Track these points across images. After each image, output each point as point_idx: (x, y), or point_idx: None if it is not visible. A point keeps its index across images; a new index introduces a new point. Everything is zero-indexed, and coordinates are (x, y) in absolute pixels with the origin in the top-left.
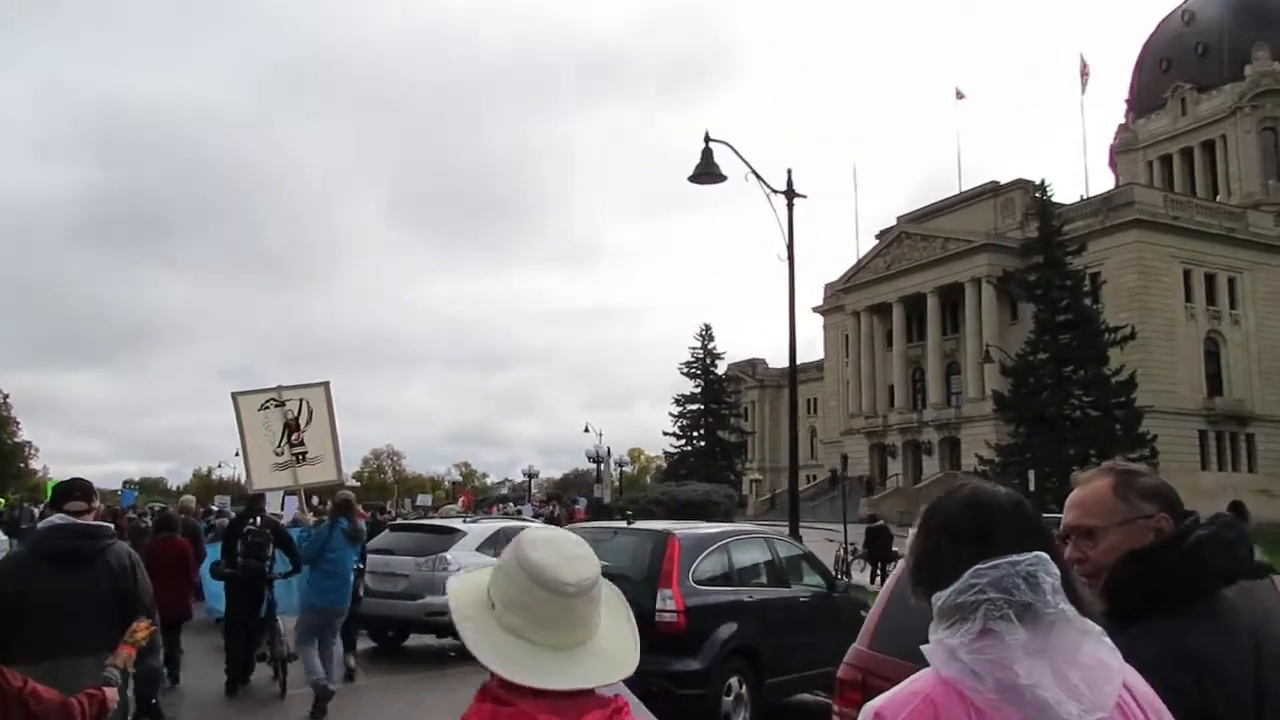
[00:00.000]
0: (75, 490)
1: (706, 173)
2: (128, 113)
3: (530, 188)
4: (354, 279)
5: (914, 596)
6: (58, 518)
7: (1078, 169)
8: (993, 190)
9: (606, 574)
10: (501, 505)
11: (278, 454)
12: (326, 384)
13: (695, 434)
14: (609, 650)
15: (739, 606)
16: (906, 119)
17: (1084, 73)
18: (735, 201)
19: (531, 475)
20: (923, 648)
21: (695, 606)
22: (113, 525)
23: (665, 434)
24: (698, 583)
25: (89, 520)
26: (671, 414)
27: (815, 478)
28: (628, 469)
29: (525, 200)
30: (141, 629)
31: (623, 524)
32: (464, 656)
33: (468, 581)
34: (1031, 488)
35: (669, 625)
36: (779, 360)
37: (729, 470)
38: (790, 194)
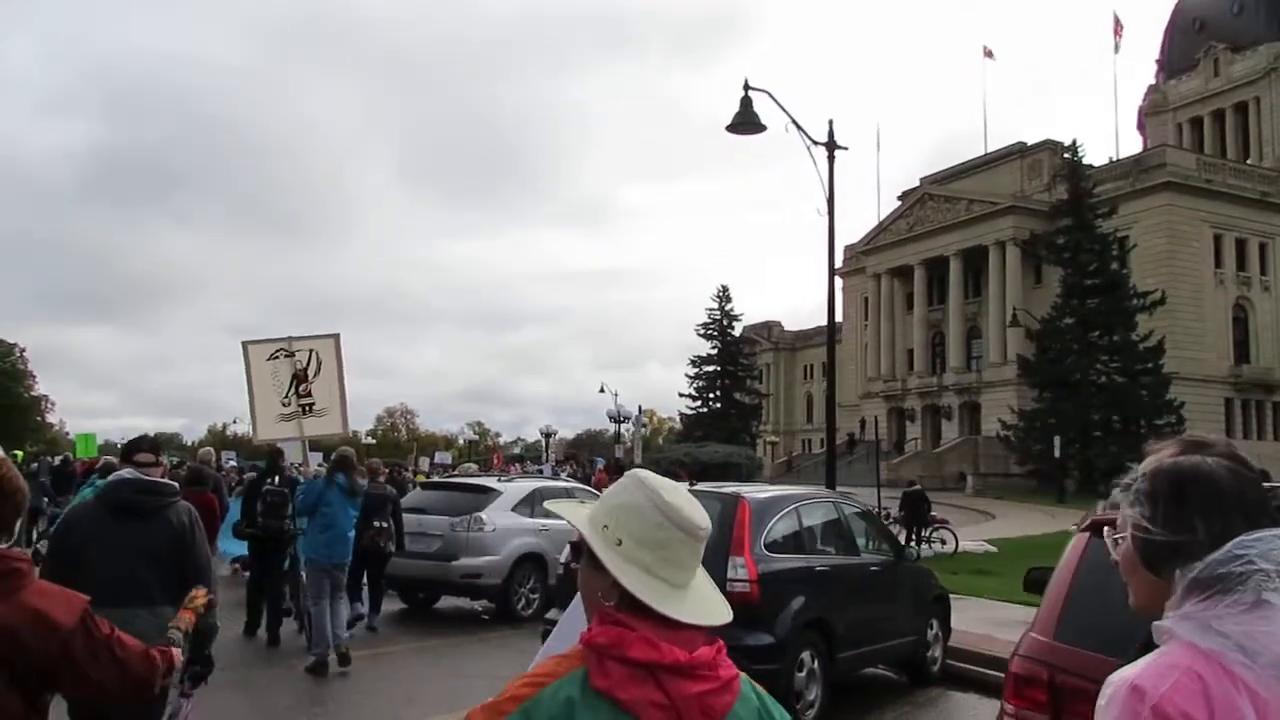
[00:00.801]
0: (143, 445)
1: (746, 122)
2: (136, 68)
3: (543, 147)
4: (365, 236)
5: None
6: (125, 471)
7: (1106, 131)
8: (1019, 151)
9: None
10: (520, 464)
11: (284, 404)
12: (336, 336)
13: (711, 396)
14: (706, 593)
15: (811, 575)
16: (929, 79)
17: (1117, 32)
18: (750, 163)
19: (549, 434)
20: (1163, 622)
21: (768, 575)
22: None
23: (681, 395)
24: (769, 549)
25: (155, 476)
26: (687, 375)
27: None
28: (641, 430)
29: (538, 160)
30: (200, 596)
31: (682, 485)
32: (499, 620)
33: (573, 512)
34: (1056, 453)
35: (741, 595)
36: (794, 323)
37: (744, 432)
38: (831, 146)
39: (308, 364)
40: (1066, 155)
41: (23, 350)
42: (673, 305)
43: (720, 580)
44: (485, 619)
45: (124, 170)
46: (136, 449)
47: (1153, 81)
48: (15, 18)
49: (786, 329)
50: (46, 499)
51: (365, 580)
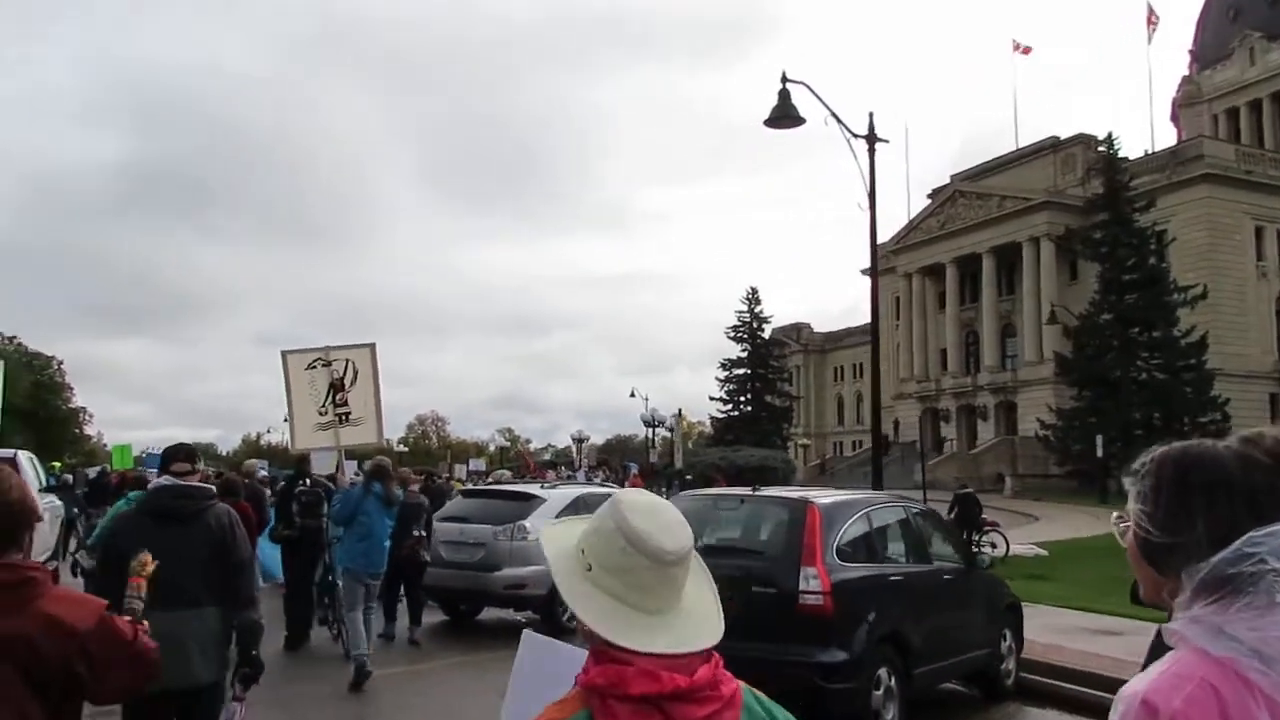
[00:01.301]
0: (180, 453)
1: (784, 116)
2: (164, 80)
3: (565, 151)
4: (391, 244)
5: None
6: (164, 479)
7: (1138, 124)
8: (1052, 146)
9: (735, 548)
10: (554, 470)
11: (321, 413)
12: (372, 345)
13: (742, 399)
14: (695, 614)
15: (885, 585)
16: (953, 75)
17: (1151, 21)
18: (773, 164)
19: (581, 440)
20: (1172, 625)
21: (841, 586)
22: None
23: (711, 399)
24: (840, 558)
25: (192, 481)
26: (717, 378)
27: (862, 444)
28: (667, 434)
29: (560, 164)
30: (148, 562)
31: (744, 490)
32: (543, 633)
33: (559, 533)
34: (1099, 453)
35: (814, 608)
36: (822, 324)
37: (776, 435)
38: (872, 138)
39: (344, 373)
40: (1101, 149)
41: (60, 363)
42: (698, 309)
43: (791, 593)
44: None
45: (154, 183)
46: (173, 457)
47: (1186, 73)
48: (46, 32)
49: (815, 331)
50: (78, 510)
51: (402, 593)
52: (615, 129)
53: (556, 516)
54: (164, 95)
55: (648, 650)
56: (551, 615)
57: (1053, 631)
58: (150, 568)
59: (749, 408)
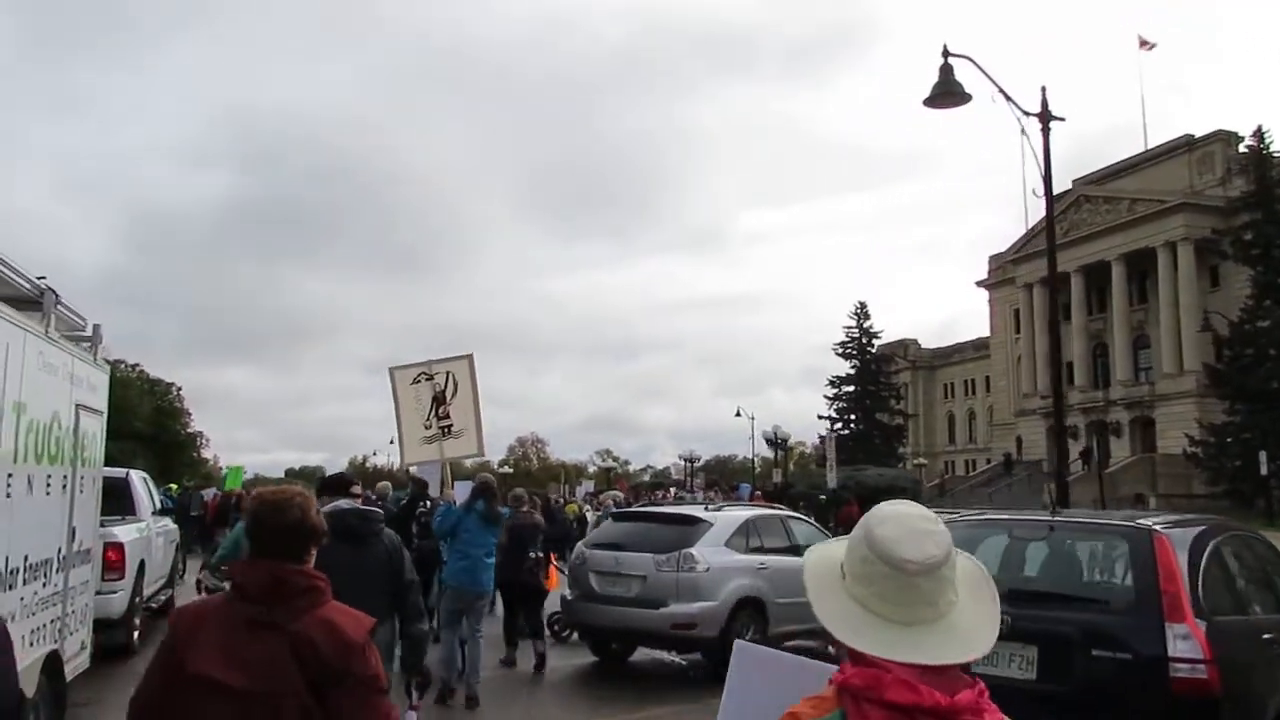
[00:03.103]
0: (348, 480)
1: (947, 93)
2: (270, 119)
3: (655, 175)
4: (489, 270)
5: None
6: (343, 502)
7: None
8: (1186, 145)
9: (1052, 594)
10: (669, 492)
11: (426, 427)
12: (470, 356)
13: (852, 417)
14: (960, 629)
15: (1268, 646)
16: (1065, 77)
17: None
18: (866, 183)
19: (691, 460)
20: None
21: (1226, 651)
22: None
23: (820, 417)
24: (1211, 610)
25: (361, 505)
26: (826, 396)
27: (975, 464)
28: (769, 454)
29: (650, 188)
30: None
31: (1043, 515)
32: (712, 678)
33: (825, 552)
34: (1264, 470)
35: (1193, 684)
36: (930, 340)
37: (889, 455)
38: (1046, 116)
39: (445, 385)
40: (1249, 144)
41: (179, 389)
42: (791, 329)
43: (1153, 660)
44: (690, 675)
45: (262, 217)
46: (345, 483)
47: None
48: (157, 76)
49: (923, 347)
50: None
51: (523, 620)
52: (709, 149)
53: (726, 542)
54: (270, 133)
55: (885, 655)
56: (724, 659)
57: None
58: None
59: (860, 426)
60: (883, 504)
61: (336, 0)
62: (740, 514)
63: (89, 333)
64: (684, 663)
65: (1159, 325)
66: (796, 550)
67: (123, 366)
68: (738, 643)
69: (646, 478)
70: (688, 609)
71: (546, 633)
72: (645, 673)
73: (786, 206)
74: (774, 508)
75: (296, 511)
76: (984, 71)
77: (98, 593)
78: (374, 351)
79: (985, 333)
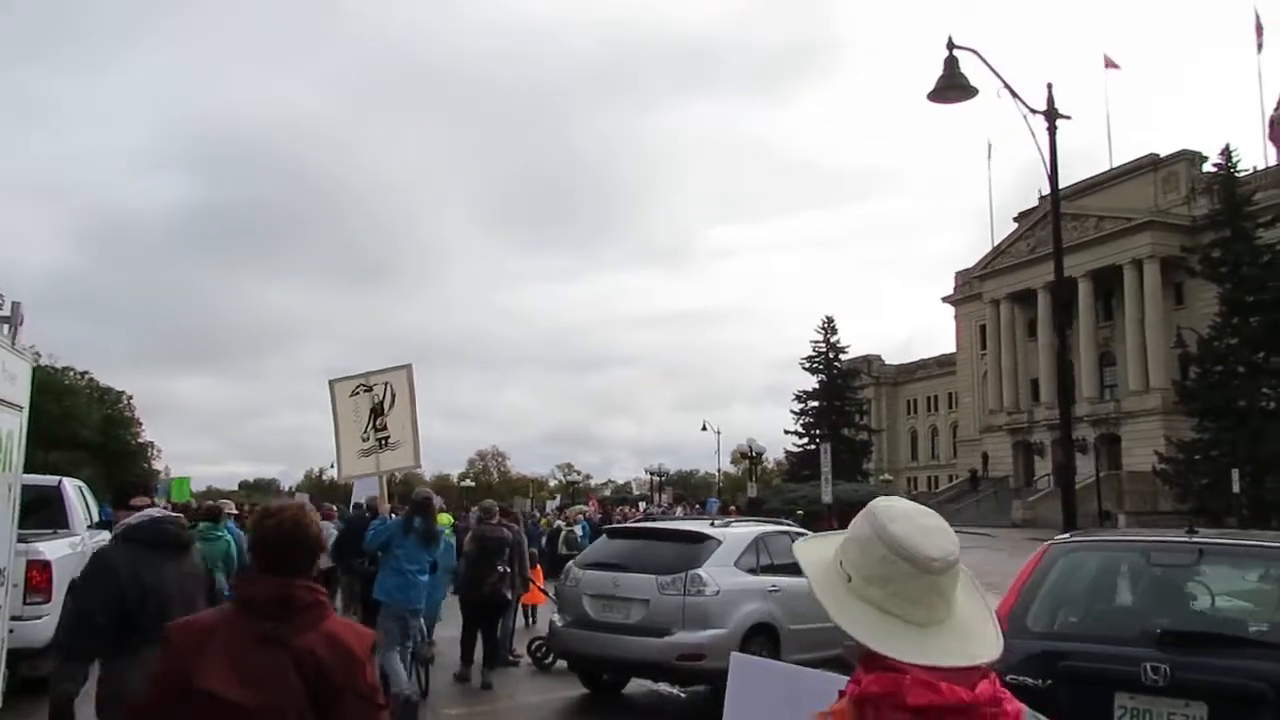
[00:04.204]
0: (141, 488)
1: (952, 86)
2: (229, 126)
3: (620, 189)
4: (450, 282)
5: None
6: (152, 511)
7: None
8: (1151, 164)
9: (1222, 633)
10: (637, 507)
11: (364, 440)
12: (408, 367)
13: (818, 432)
14: (968, 629)
15: None
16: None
17: (1259, 31)
18: (828, 201)
19: (660, 474)
20: None
21: None
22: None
23: (787, 432)
24: None
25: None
26: (792, 411)
27: (938, 480)
28: (731, 469)
29: (614, 202)
30: None
31: (1180, 535)
32: (716, 711)
33: (814, 548)
34: (1236, 488)
35: None
36: (900, 355)
37: (856, 470)
38: (1051, 114)
39: (383, 397)
40: (1217, 163)
41: (130, 398)
42: (755, 345)
43: None
44: (692, 710)
45: (218, 224)
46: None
47: None
48: (116, 80)
49: (888, 362)
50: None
51: (488, 636)
52: (672, 166)
53: (736, 562)
54: (229, 140)
55: (916, 661)
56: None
57: None
58: None
59: (827, 441)
60: (880, 502)
61: (300, 6)
62: (749, 530)
63: (6, 311)
64: (683, 695)
65: (1125, 342)
66: None
67: (72, 374)
68: (734, 655)
69: (608, 492)
70: (695, 637)
71: (515, 656)
72: (642, 708)
73: (749, 222)
74: (778, 523)
75: (303, 527)
76: (990, 67)
77: (17, 618)
78: (334, 362)
79: (947, 349)
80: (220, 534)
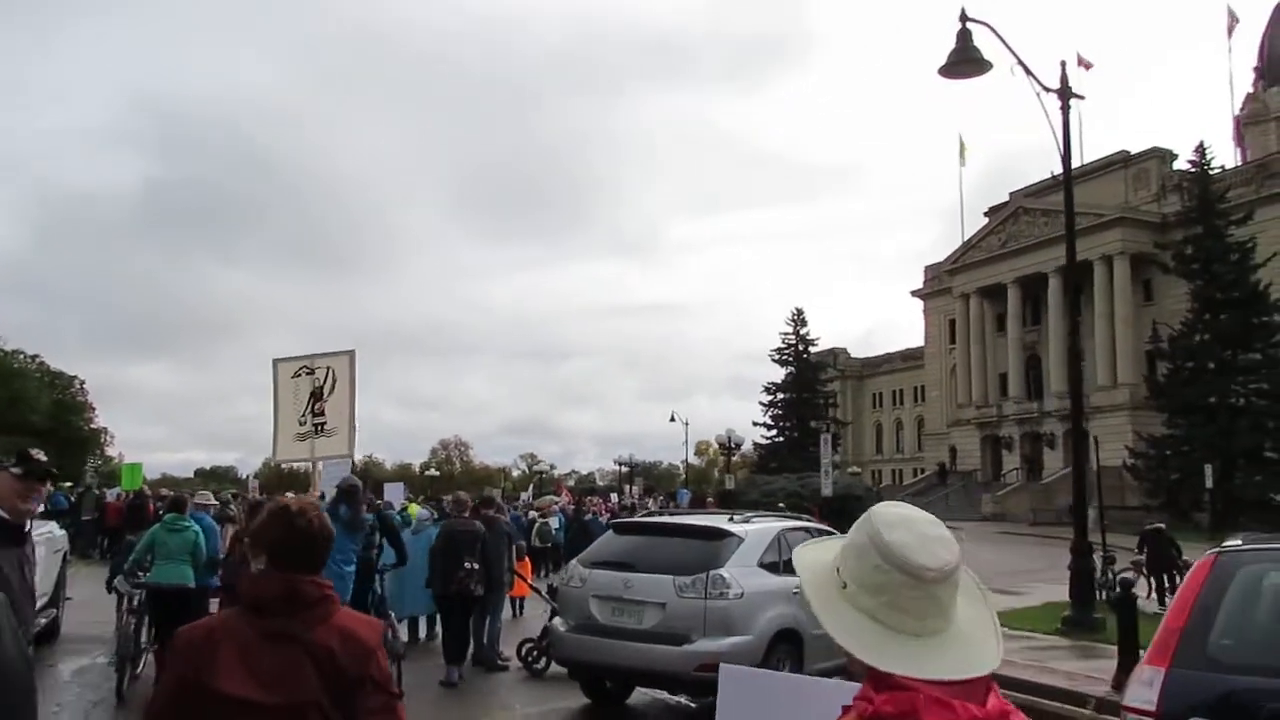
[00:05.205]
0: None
1: (965, 60)
2: (188, 107)
3: (588, 179)
4: (415, 270)
5: None
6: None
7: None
8: (1123, 161)
9: None
10: (608, 498)
11: (300, 423)
12: (352, 352)
13: (786, 424)
14: (969, 640)
15: None
16: (996, 94)
17: (1231, 25)
18: (796, 195)
19: (631, 465)
20: None
21: None
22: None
23: (755, 424)
24: None
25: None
26: (761, 403)
27: (903, 474)
28: (695, 461)
29: (582, 192)
30: None
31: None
32: None
33: (812, 554)
34: (1209, 483)
35: None
36: (862, 349)
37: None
38: (1065, 93)
39: (324, 381)
40: (1192, 160)
41: (83, 382)
42: (718, 337)
43: None
44: None
45: (177, 207)
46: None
47: (1251, 90)
48: (71, 55)
49: (853, 355)
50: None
51: (458, 632)
52: (637, 156)
53: (759, 562)
54: (187, 121)
55: (910, 674)
56: None
57: None
58: None
59: (795, 434)
60: (881, 507)
61: None
62: (771, 526)
63: None
64: (694, 705)
65: (1094, 338)
66: None
67: (21, 357)
68: (723, 666)
69: (571, 482)
70: (717, 645)
71: (503, 660)
72: (648, 718)
73: (715, 215)
74: (799, 518)
75: (311, 521)
76: (1004, 42)
77: None
78: (293, 349)
79: (909, 343)
80: (186, 524)
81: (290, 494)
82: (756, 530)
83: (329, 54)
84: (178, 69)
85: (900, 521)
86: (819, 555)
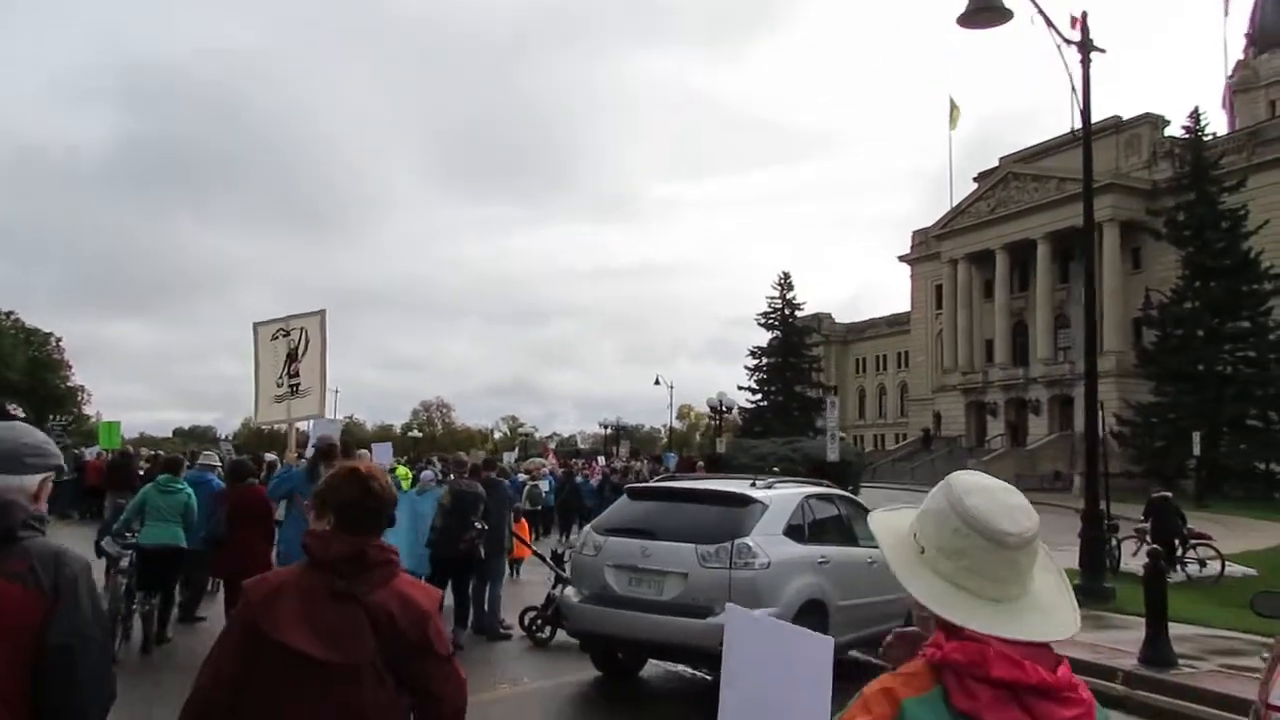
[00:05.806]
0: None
1: (986, 9)
2: (164, 59)
3: (570, 140)
4: (396, 230)
5: None
6: None
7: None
8: (1114, 127)
9: None
10: (596, 461)
11: (278, 385)
12: (322, 312)
13: (772, 389)
14: (1044, 604)
15: None
16: (980, 56)
17: None
18: (778, 158)
19: (618, 427)
20: None
21: None
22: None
23: (740, 388)
24: None
25: None
26: (747, 367)
27: (886, 439)
28: (678, 425)
29: (564, 153)
30: None
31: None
32: None
33: (888, 521)
34: (1196, 451)
35: None
36: (845, 314)
37: (809, 428)
38: (1085, 46)
39: (299, 342)
40: (1186, 125)
41: (59, 340)
42: (700, 300)
43: None
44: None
45: (154, 161)
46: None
47: (1241, 57)
48: (46, 9)
49: (838, 321)
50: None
51: (460, 596)
52: (625, 118)
53: (784, 530)
54: (161, 71)
55: (994, 632)
56: None
57: None
58: None
59: (780, 398)
60: (961, 474)
61: None
62: (796, 491)
63: None
64: (711, 679)
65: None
66: (854, 540)
67: None
68: (730, 606)
69: (553, 445)
70: None
71: (506, 627)
72: (665, 693)
73: (699, 178)
74: (818, 483)
75: (377, 485)
76: None
77: None
78: (271, 309)
79: (894, 308)
80: (180, 486)
81: (362, 451)
82: (781, 496)
83: (309, 11)
84: (151, 17)
85: (978, 488)
86: (896, 521)
